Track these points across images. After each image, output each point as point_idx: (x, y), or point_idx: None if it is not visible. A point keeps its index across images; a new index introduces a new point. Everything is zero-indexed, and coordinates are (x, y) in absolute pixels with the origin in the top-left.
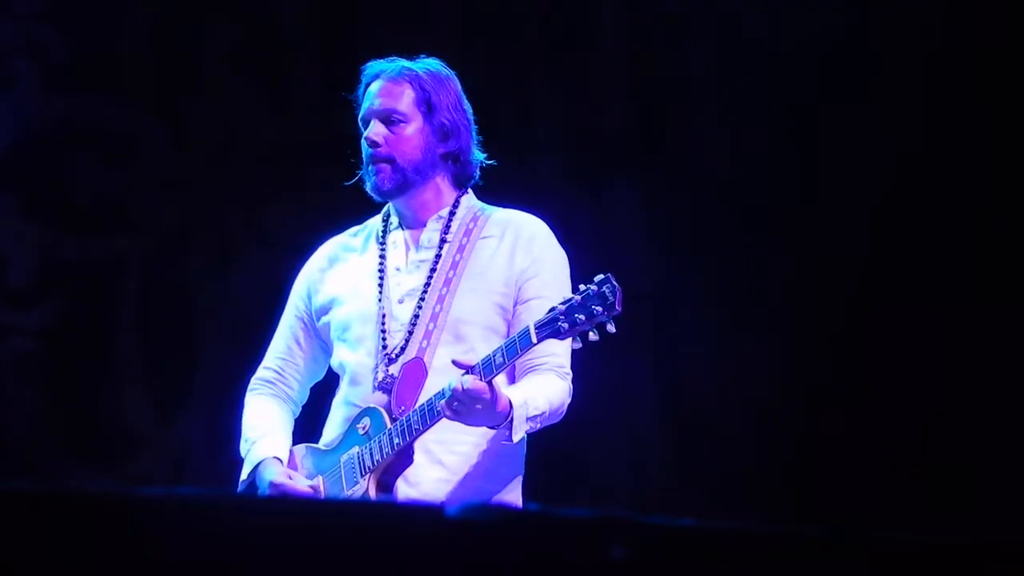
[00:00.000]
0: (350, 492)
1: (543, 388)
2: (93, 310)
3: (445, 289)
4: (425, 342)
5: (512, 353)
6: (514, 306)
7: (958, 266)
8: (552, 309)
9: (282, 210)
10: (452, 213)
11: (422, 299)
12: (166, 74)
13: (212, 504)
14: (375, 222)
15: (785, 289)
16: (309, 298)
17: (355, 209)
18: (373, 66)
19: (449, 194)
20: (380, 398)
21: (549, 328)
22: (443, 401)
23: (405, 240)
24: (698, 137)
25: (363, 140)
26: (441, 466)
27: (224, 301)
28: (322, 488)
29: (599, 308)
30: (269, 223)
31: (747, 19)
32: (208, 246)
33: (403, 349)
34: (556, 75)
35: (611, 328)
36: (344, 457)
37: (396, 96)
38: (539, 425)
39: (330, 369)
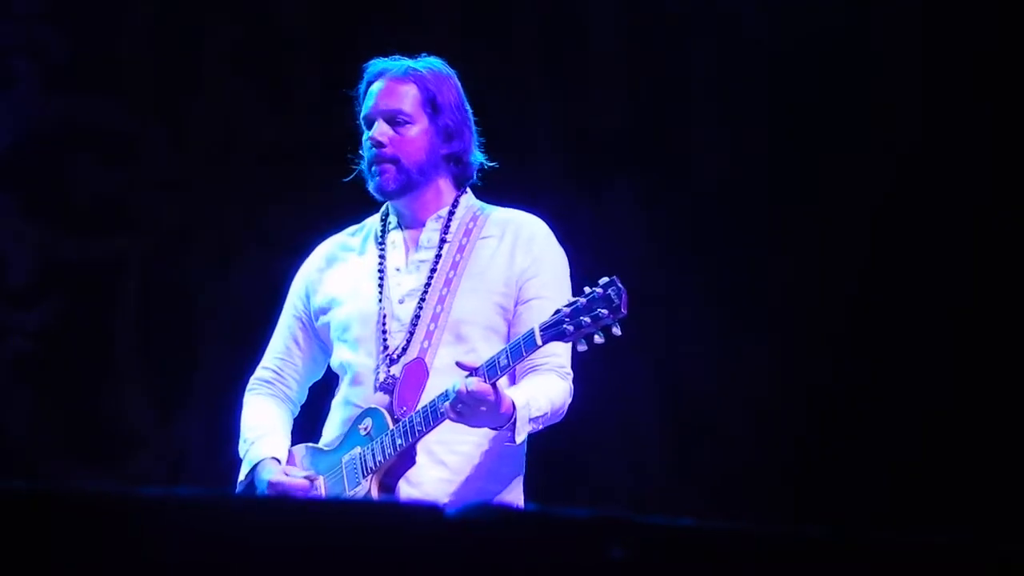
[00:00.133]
0: (352, 493)
1: (545, 389)
2: (93, 310)
3: (446, 289)
4: (426, 342)
5: (517, 355)
6: (515, 306)
7: (958, 266)
8: (557, 312)
9: (282, 210)
10: (451, 213)
11: (423, 299)
12: (166, 74)
13: (211, 504)
14: (373, 222)
15: (785, 289)
16: (307, 298)
17: (355, 209)
18: (376, 64)
19: (449, 194)
20: (382, 399)
21: (554, 331)
22: (447, 403)
23: (404, 240)
24: (698, 137)
25: (366, 140)
26: (443, 466)
27: (224, 301)
28: (321, 485)
29: (604, 311)
30: (269, 223)
31: (747, 19)
32: (208, 246)
33: (404, 350)
34: (556, 75)
35: (616, 331)
36: (346, 458)
37: (401, 96)
38: (541, 426)
39: (329, 369)
